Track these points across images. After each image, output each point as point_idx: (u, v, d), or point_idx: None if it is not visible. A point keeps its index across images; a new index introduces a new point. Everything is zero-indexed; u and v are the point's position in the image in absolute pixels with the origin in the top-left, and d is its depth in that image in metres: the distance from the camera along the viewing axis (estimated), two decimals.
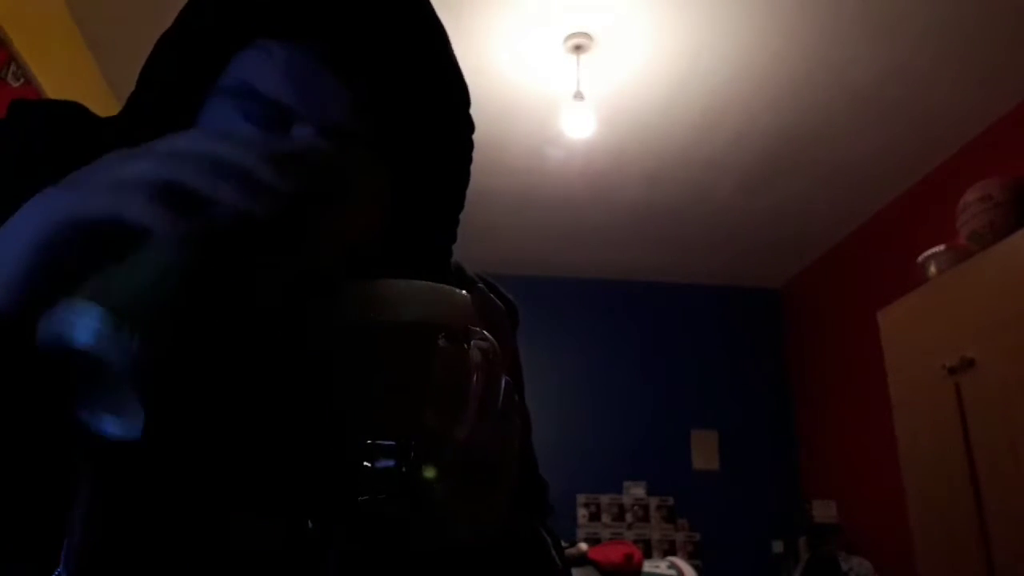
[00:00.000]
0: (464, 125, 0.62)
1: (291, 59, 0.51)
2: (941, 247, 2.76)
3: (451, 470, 0.39)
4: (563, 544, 0.66)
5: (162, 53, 0.56)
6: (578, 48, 2.84)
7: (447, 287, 0.43)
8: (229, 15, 0.53)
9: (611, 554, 2.68)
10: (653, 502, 4.40)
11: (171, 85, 0.56)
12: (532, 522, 0.60)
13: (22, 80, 2.37)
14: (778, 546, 4.19)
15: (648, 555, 3.58)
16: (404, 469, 0.38)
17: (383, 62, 0.53)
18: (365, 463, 0.39)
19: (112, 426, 0.33)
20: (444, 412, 0.38)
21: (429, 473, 0.38)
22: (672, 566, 2.79)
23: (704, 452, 4.55)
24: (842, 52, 2.87)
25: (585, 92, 2.90)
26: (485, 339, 0.40)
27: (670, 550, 4.24)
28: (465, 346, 0.39)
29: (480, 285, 0.45)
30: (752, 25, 2.76)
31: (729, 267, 4.70)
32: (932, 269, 2.75)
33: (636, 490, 4.42)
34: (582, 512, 4.36)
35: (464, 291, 0.44)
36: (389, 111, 0.54)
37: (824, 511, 4.06)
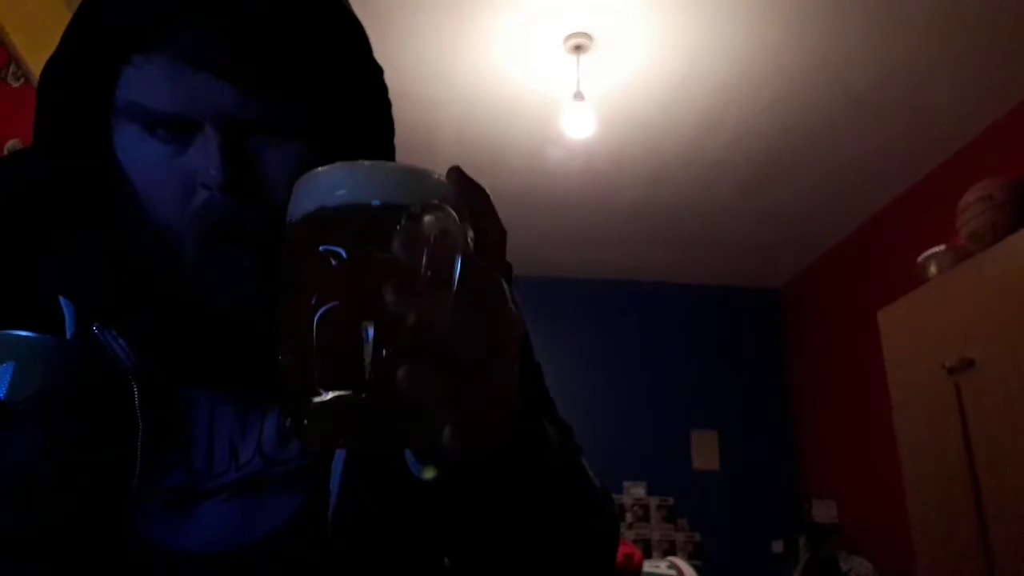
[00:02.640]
0: (370, 69, 0.61)
1: (164, 69, 0.50)
2: (941, 247, 2.76)
3: (417, 355, 0.36)
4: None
5: (49, 81, 0.56)
6: (578, 48, 2.84)
7: (418, 168, 0.41)
8: (101, 36, 0.52)
9: None
10: (653, 502, 4.40)
11: (66, 112, 0.56)
12: (564, 434, 0.58)
13: (22, 80, 2.37)
14: (778, 546, 4.19)
15: (648, 555, 3.58)
16: (366, 359, 0.36)
17: (264, 42, 0.52)
18: (326, 357, 0.37)
19: None
20: (400, 290, 0.36)
21: (393, 359, 0.36)
22: (672, 566, 2.79)
23: (704, 452, 4.55)
24: (842, 52, 2.87)
25: (585, 92, 2.90)
26: (443, 211, 0.38)
27: (670, 550, 4.23)
28: (422, 220, 0.37)
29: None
30: (752, 25, 2.76)
31: (729, 267, 4.70)
32: (932, 269, 2.75)
33: (636, 490, 4.42)
34: None
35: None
36: (290, 82, 0.53)
37: (824, 511, 4.06)
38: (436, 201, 0.38)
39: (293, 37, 0.53)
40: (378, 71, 0.61)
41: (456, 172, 0.42)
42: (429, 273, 0.36)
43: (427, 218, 0.37)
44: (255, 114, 0.52)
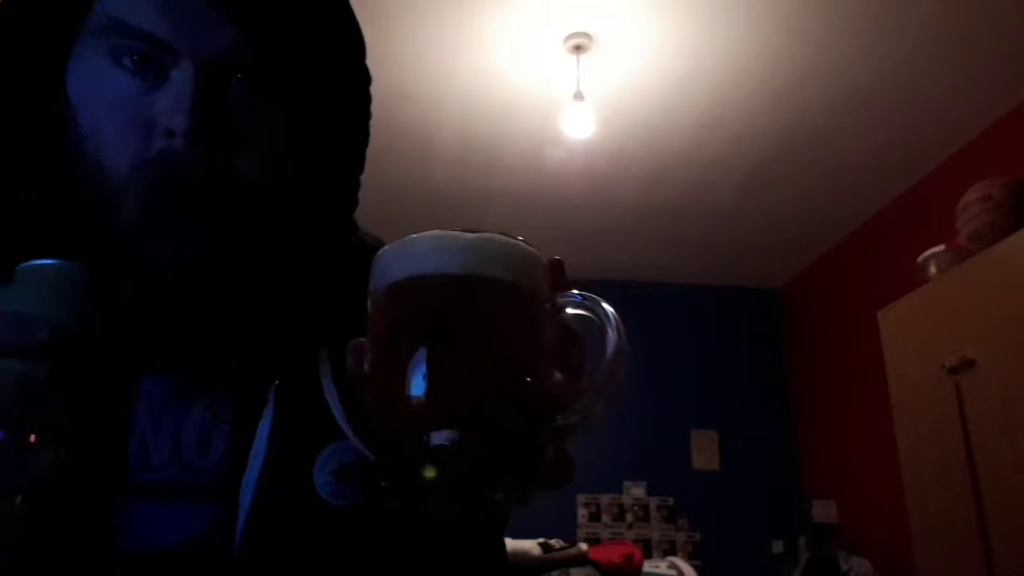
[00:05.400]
0: (360, 72, 0.59)
1: None
2: (941, 247, 2.76)
3: (554, 433, 0.37)
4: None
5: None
6: (578, 48, 2.84)
7: (533, 250, 0.40)
8: None
9: (611, 554, 2.68)
10: (653, 502, 4.40)
11: (25, 33, 0.51)
12: None
13: None
14: (778, 546, 4.19)
15: (648, 555, 3.58)
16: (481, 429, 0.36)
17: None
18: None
19: None
20: (545, 373, 0.36)
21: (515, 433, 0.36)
22: (672, 566, 2.79)
23: (704, 452, 4.55)
24: (841, 52, 2.87)
25: (585, 92, 2.90)
26: (600, 306, 0.38)
27: (670, 550, 4.23)
28: (601, 316, 0.37)
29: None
30: (752, 25, 2.76)
31: (729, 267, 4.70)
32: (932, 269, 2.75)
33: (636, 490, 4.42)
34: (582, 512, 4.35)
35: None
36: (279, 47, 0.50)
37: (824, 511, 4.06)
38: (597, 297, 0.39)
39: (299, 5, 0.51)
40: (367, 78, 0.59)
41: (560, 267, 0.42)
42: (576, 363, 0.37)
43: (596, 309, 0.38)
44: (244, 60, 0.48)
